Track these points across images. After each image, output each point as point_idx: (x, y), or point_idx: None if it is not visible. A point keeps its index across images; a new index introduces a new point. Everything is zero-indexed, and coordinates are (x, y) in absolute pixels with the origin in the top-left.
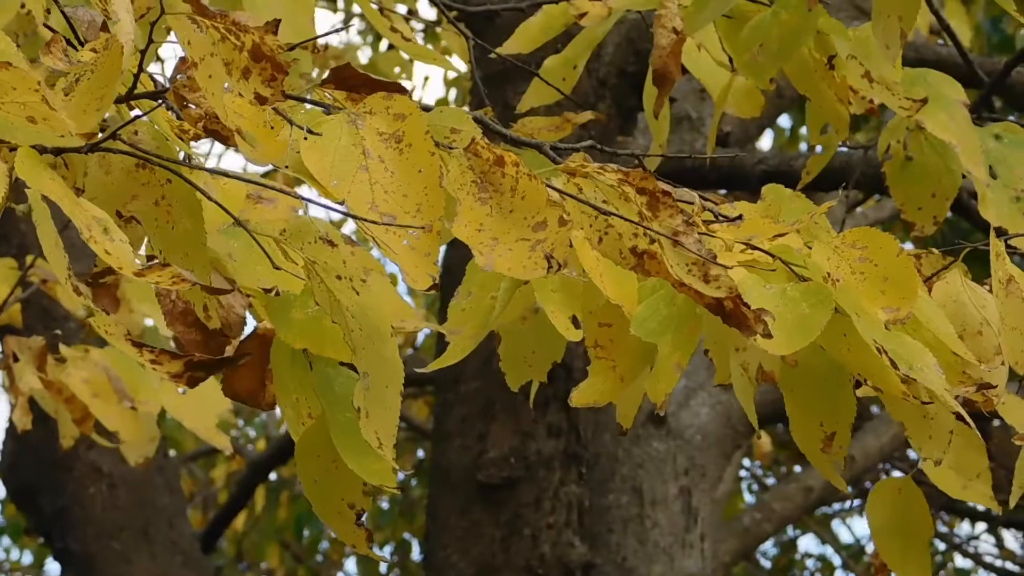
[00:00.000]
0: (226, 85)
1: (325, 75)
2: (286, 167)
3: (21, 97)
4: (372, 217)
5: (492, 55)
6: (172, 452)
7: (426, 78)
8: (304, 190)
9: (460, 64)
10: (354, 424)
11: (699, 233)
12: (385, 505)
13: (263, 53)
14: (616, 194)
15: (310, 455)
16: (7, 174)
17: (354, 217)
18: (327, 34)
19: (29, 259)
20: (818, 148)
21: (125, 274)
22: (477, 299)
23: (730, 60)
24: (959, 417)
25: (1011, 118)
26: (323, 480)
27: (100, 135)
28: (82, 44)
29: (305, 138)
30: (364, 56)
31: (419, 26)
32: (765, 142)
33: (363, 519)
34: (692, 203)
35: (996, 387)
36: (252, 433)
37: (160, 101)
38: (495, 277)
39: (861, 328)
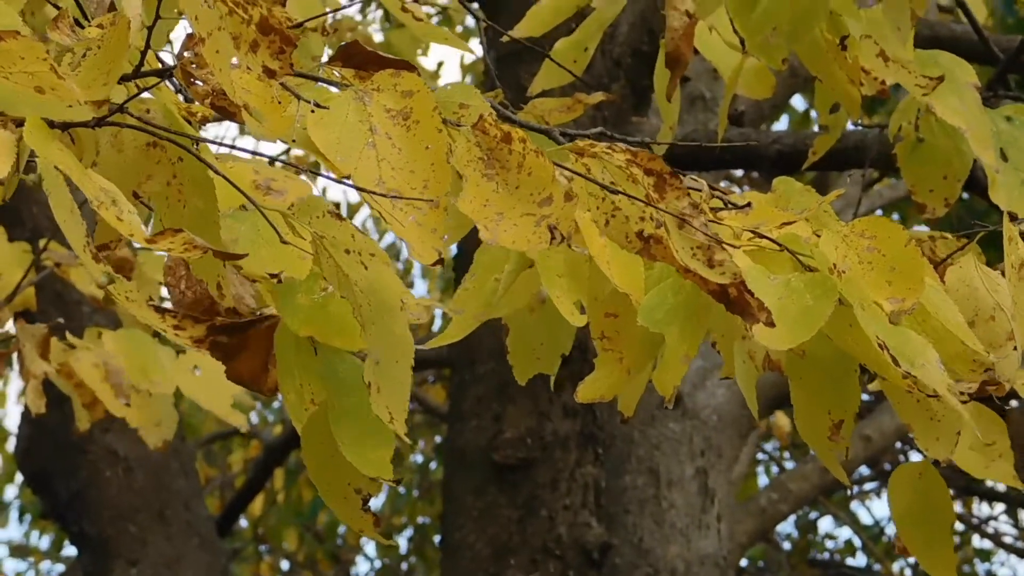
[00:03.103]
0: (234, 61)
1: (333, 53)
2: (293, 141)
3: (29, 67)
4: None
5: (504, 39)
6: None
7: (440, 63)
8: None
9: (475, 46)
10: (355, 411)
11: (706, 220)
12: (402, 489)
13: (271, 26)
14: (624, 175)
15: (316, 440)
16: (15, 144)
17: (360, 190)
18: (335, 11)
19: (42, 242)
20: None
21: (137, 241)
22: (480, 280)
23: (741, 41)
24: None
25: None
26: (329, 465)
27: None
28: (90, 22)
29: (313, 111)
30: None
31: (433, 10)
32: (783, 123)
33: (368, 504)
34: (700, 190)
35: (1003, 383)
36: (271, 417)
37: (167, 78)
38: (500, 259)
39: (864, 322)
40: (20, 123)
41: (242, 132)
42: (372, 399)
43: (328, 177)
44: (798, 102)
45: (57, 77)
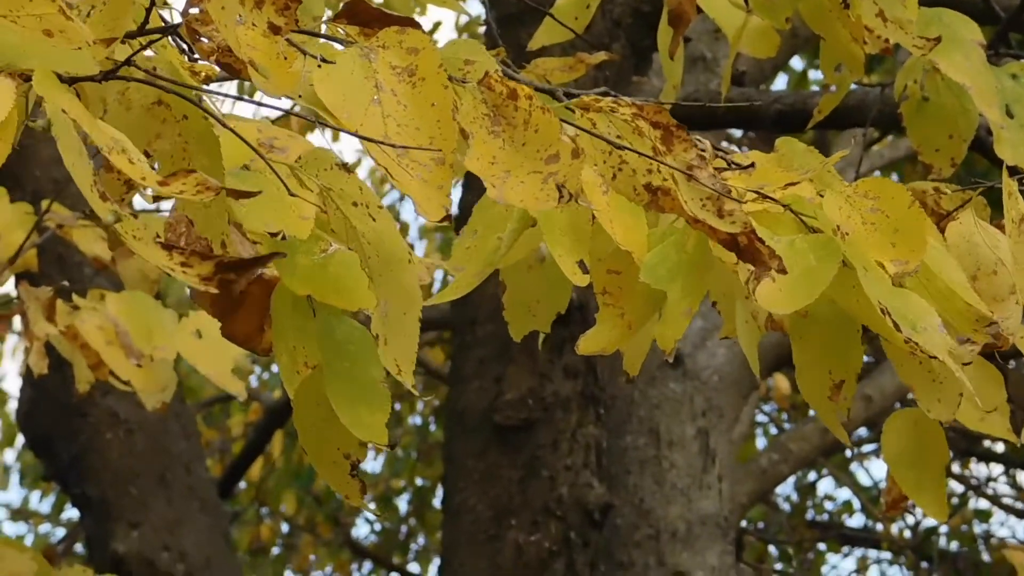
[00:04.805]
0: (239, 18)
1: (338, 11)
2: (299, 96)
3: (38, 9)
4: (385, 151)
5: None
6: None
7: (436, 24)
8: (317, 137)
9: (472, 8)
10: (351, 374)
11: (713, 171)
12: (401, 452)
13: None
14: (630, 129)
15: (309, 403)
16: (14, 89)
17: (367, 139)
18: None
19: (44, 204)
20: (832, 87)
21: (149, 185)
22: (482, 238)
23: (745, 0)
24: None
25: None
26: (320, 429)
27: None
28: None
29: (319, 66)
30: None
31: None
32: (780, 83)
33: (357, 470)
34: (704, 150)
35: (1007, 337)
36: (271, 381)
37: (172, 34)
38: (501, 217)
39: (866, 285)
40: (27, 78)
41: (240, 97)
42: (380, 351)
43: (329, 125)
44: (795, 62)
45: (66, 18)
